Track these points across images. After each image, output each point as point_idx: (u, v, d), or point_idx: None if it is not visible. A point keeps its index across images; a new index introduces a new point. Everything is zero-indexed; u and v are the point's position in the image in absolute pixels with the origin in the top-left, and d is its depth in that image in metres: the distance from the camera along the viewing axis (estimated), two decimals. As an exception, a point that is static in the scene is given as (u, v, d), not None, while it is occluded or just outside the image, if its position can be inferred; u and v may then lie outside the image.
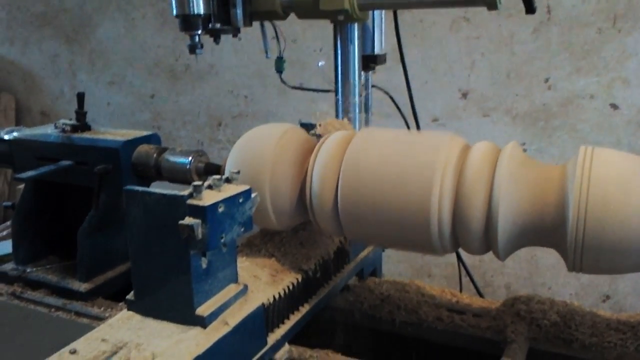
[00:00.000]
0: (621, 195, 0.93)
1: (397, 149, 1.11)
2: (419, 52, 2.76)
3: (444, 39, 2.73)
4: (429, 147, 1.08)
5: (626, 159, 1.00)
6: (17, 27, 3.96)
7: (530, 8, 1.33)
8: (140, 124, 3.64)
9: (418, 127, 1.88)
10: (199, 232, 0.90)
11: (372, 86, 1.72)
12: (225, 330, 0.97)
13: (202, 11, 1.47)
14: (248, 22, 1.53)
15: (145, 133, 1.58)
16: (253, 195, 1.02)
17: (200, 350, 0.91)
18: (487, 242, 1.04)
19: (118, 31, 3.61)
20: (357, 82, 1.55)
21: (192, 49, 1.52)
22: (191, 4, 1.46)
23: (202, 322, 0.96)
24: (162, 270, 0.97)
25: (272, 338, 1.12)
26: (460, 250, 1.16)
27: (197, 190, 0.93)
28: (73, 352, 0.91)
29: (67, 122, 1.60)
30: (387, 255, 1.83)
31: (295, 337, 1.20)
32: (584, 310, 1.33)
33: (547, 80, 2.57)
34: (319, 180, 1.14)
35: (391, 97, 1.84)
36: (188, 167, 1.45)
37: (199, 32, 1.50)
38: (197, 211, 0.91)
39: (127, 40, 3.60)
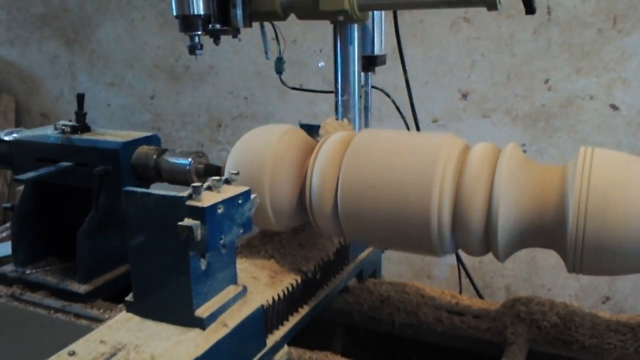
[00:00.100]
0: (621, 196, 0.93)
1: (396, 150, 1.11)
2: (419, 53, 2.76)
3: (444, 39, 2.73)
4: (428, 148, 1.08)
5: (626, 160, 0.99)
6: (17, 28, 3.97)
7: (530, 8, 1.33)
8: (140, 125, 3.64)
9: (418, 128, 1.88)
10: (198, 234, 0.90)
11: (372, 87, 1.71)
12: (224, 331, 0.97)
13: (202, 12, 1.47)
14: (248, 23, 1.53)
15: (145, 134, 1.58)
16: (252, 196, 1.02)
17: (199, 351, 0.91)
18: (487, 243, 1.04)
19: (118, 32, 3.61)
20: (356, 83, 1.55)
21: (192, 49, 1.52)
22: (191, 5, 1.46)
23: (201, 324, 0.96)
24: (161, 272, 0.97)
25: (272, 339, 1.11)
26: (460, 252, 1.16)
27: (197, 191, 0.92)
28: (72, 353, 0.90)
29: (67, 123, 1.60)
30: (387, 257, 1.83)
31: (294, 338, 1.19)
32: (583, 311, 1.33)
33: (547, 81, 2.57)
34: (318, 181, 1.14)
35: (391, 98, 1.84)
36: (188, 168, 1.45)
37: (199, 32, 1.50)
38: (197, 212, 0.91)
39: (127, 41, 3.60)
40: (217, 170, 1.38)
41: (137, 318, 1.00)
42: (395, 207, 1.06)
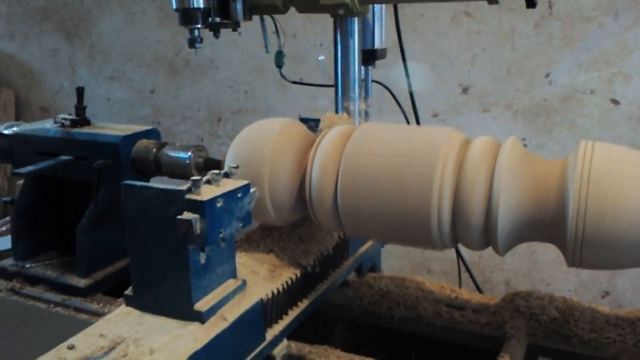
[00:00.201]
0: (621, 190, 0.93)
1: (396, 143, 1.11)
2: (420, 47, 2.75)
3: (444, 33, 2.72)
4: (428, 141, 1.08)
5: (627, 154, 0.99)
6: (17, 21, 3.96)
7: (530, 2, 1.32)
8: (140, 119, 3.63)
9: (418, 122, 1.87)
10: (198, 227, 0.90)
11: (372, 81, 1.71)
12: (223, 325, 0.97)
13: (201, 5, 1.46)
14: (248, 16, 1.52)
15: (144, 128, 1.58)
16: (252, 190, 1.02)
17: (199, 345, 0.91)
18: (487, 237, 1.04)
19: (118, 26, 3.60)
20: (357, 77, 1.55)
21: (192, 43, 1.52)
22: (191, -2, 1.46)
23: (201, 318, 0.96)
24: (160, 266, 0.97)
25: (271, 333, 1.11)
26: (460, 246, 1.16)
27: (196, 185, 0.92)
28: (71, 347, 0.90)
29: (67, 117, 1.59)
30: (387, 251, 1.83)
31: (294, 332, 1.19)
32: (583, 306, 1.33)
33: (547, 75, 2.57)
34: (318, 175, 1.14)
35: (391, 92, 1.84)
36: (187, 162, 1.45)
37: (199, 26, 1.49)
38: (196, 206, 0.91)
39: (127, 35, 3.59)
40: (217, 164, 1.38)
41: (136, 312, 1.00)
42: (395, 200, 1.06)
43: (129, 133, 1.53)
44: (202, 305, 0.97)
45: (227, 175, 1.01)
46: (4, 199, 1.71)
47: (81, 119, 1.59)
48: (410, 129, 1.26)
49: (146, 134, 1.55)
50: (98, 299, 1.47)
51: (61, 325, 1.36)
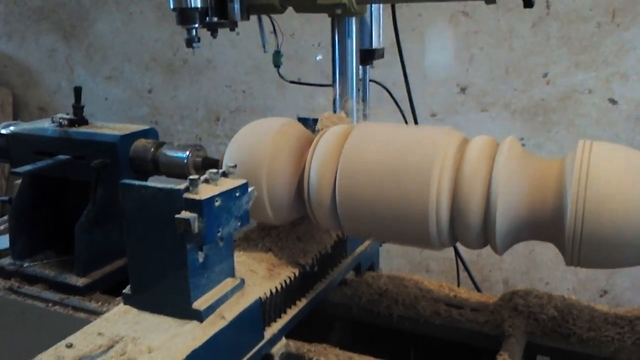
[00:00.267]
0: (619, 189, 0.93)
1: (395, 143, 1.11)
2: (418, 47, 2.75)
3: (442, 33, 2.72)
4: (427, 141, 1.08)
5: (625, 153, 0.99)
6: (14, 21, 3.95)
7: (528, 2, 1.32)
8: (138, 118, 3.63)
9: (416, 122, 1.87)
10: (196, 226, 0.90)
11: (370, 81, 1.71)
12: (221, 324, 0.97)
13: (199, 5, 1.46)
14: (245, 16, 1.52)
15: (142, 127, 1.58)
16: (250, 189, 1.02)
17: (197, 344, 0.91)
18: (485, 236, 1.04)
19: (116, 26, 3.60)
20: (354, 77, 1.55)
21: (189, 42, 1.52)
22: (188, -3, 1.45)
23: (199, 316, 0.96)
24: (158, 265, 0.97)
25: (269, 332, 1.11)
26: (458, 245, 1.16)
27: (194, 184, 0.92)
28: (69, 346, 0.90)
29: (65, 116, 1.59)
30: (385, 251, 1.83)
31: (292, 331, 1.20)
32: (581, 304, 1.33)
33: (545, 75, 2.57)
34: (316, 174, 1.14)
35: (389, 92, 1.84)
36: (185, 161, 1.45)
37: (196, 25, 1.49)
38: (194, 205, 0.91)
39: (125, 34, 3.58)
40: (215, 164, 1.38)
41: (134, 310, 1.00)
42: (394, 200, 1.06)
43: (127, 132, 1.52)
44: (200, 304, 0.97)
45: (225, 174, 1.01)
46: (1, 198, 1.71)
47: (79, 119, 1.59)
48: (408, 128, 1.26)
49: (144, 134, 1.55)
50: (96, 297, 1.47)
51: (59, 324, 1.36)
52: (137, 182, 0.96)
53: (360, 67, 1.60)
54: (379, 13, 1.63)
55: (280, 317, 1.16)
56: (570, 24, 2.48)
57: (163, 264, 0.96)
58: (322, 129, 1.29)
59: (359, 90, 1.58)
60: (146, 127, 1.58)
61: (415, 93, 1.87)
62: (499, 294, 1.43)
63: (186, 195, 0.92)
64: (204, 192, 0.93)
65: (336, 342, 1.30)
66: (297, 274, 1.22)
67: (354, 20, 1.50)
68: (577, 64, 2.51)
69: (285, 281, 1.17)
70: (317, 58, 2.95)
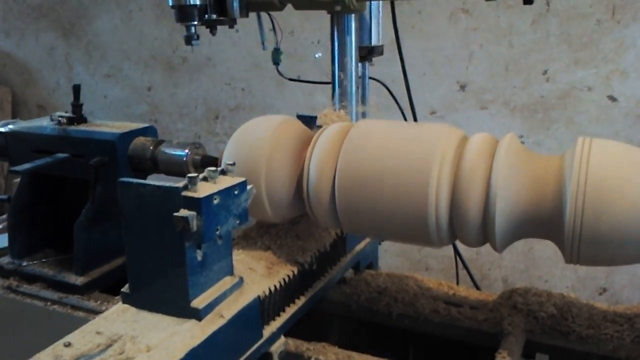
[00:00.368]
0: (619, 186, 0.93)
1: (394, 140, 1.10)
2: (417, 44, 2.75)
3: (442, 30, 2.72)
4: (426, 138, 1.08)
5: (624, 150, 0.99)
6: (13, 19, 3.94)
7: (528, -1, 1.32)
8: (137, 116, 3.63)
9: (415, 119, 1.87)
10: (194, 224, 0.90)
11: (370, 78, 1.71)
12: (220, 322, 0.97)
13: (198, 2, 1.46)
14: (244, 13, 1.52)
15: (141, 125, 1.57)
16: (248, 187, 1.02)
17: (196, 342, 0.91)
18: (484, 233, 1.04)
19: (115, 23, 3.59)
20: (354, 74, 1.54)
21: (188, 40, 1.52)
22: (187, -5, 1.45)
23: (197, 315, 0.96)
24: (157, 263, 0.97)
25: (268, 331, 1.11)
26: (458, 243, 1.16)
27: (192, 182, 0.92)
28: (67, 345, 0.90)
29: (63, 114, 1.59)
30: (384, 249, 1.83)
31: (291, 329, 1.19)
32: (580, 302, 1.33)
33: (545, 72, 2.57)
34: (316, 172, 1.13)
35: (388, 89, 1.84)
36: (184, 159, 1.45)
37: (195, 22, 1.49)
38: (192, 203, 0.90)
39: (124, 32, 3.58)
40: (214, 162, 1.37)
41: (133, 309, 1.00)
42: (393, 197, 1.06)
43: (125, 130, 1.52)
44: (199, 302, 0.97)
45: (223, 172, 1.01)
46: (0, 196, 1.71)
47: (78, 117, 1.59)
48: (407, 125, 1.26)
49: (143, 132, 1.55)
50: (95, 296, 1.47)
51: (58, 322, 1.36)
52: (135, 180, 0.96)
53: (360, 64, 1.60)
54: (379, 10, 1.63)
55: (279, 315, 1.16)
56: (570, 21, 2.47)
57: (162, 262, 0.96)
58: (321, 127, 1.29)
59: (358, 87, 1.58)
60: (145, 125, 1.58)
61: (415, 90, 1.86)
62: (498, 292, 1.43)
63: (185, 193, 0.92)
64: (203, 190, 0.92)
65: (335, 340, 1.30)
66: (296, 272, 1.22)
67: (353, 17, 1.50)
68: (577, 61, 2.50)
69: (284, 279, 1.17)
70: (317, 55, 2.94)
